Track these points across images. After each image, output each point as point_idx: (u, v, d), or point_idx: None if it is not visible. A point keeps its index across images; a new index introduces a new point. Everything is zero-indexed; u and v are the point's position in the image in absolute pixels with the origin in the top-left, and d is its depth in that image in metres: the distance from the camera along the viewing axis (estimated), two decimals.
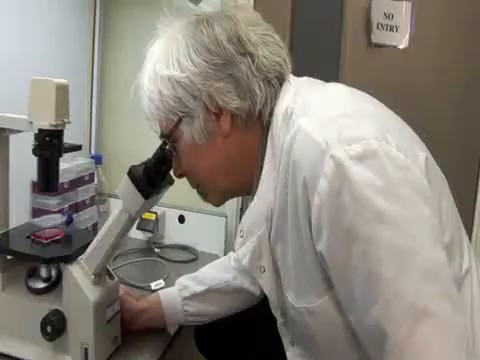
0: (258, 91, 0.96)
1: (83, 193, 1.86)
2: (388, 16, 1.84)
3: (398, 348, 0.75)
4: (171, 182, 1.14)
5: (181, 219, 1.97)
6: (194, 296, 1.35)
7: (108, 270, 1.22)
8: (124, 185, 1.08)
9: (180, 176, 1.10)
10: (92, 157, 1.99)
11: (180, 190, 1.84)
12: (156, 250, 1.89)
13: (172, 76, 0.96)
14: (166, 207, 1.96)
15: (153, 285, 1.58)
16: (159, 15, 1.04)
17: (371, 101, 0.98)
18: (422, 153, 0.86)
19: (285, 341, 1.13)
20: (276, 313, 1.11)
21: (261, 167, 0.98)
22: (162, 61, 0.98)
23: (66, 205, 1.77)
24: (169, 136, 1.03)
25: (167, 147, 1.04)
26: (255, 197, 1.00)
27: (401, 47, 1.86)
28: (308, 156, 0.82)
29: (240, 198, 1.94)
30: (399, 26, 1.84)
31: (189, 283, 1.37)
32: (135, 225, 1.90)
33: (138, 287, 1.57)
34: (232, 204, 1.94)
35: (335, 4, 1.89)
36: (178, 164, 1.07)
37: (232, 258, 1.43)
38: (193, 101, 0.97)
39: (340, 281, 0.83)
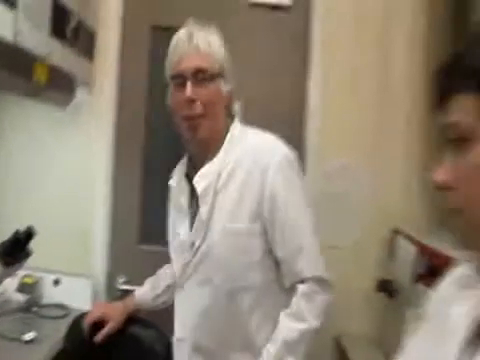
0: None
1: None
2: None
3: (307, 254, 1.55)
4: (28, 255, 1.56)
5: (56, 282, 2.35)
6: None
7: None
8: None
9: (192, 99, 1.57)
10: None
11: (56, 258, 2.25)
12: (34, 309, 2.26)
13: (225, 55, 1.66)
14: (43, 272, 2.33)
15: (26, 336, 1.94)
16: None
17: None
18: None
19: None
20: (189, 252, 1.64)
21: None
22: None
23: None
24: (210, 74, 1.60)
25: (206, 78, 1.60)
26: (215, 158, 1.62)
27: None
28: (265, 150, 1.59)
29: (105, 262, 2.36)
30: None
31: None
32: (16, 288, 2.28)
33: (11, 338, 1.93)
34: (98, 269, 2.37)
35: None
36: (198, 92, 1.58)
37: None
38: (227, 74, 1.65)
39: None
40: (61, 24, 1.88)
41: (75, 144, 2.39)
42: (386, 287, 2.07)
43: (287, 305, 1.57)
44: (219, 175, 1.59)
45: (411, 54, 2.27)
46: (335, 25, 2.33)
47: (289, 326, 1.53)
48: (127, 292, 2.11)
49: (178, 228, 1.71)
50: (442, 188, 0.76)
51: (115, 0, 2.33)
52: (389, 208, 2.17)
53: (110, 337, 1.83)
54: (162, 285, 1.95)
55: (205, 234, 1.60)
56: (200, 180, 1.61)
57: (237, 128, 1.69)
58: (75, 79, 2.17)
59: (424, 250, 1.77)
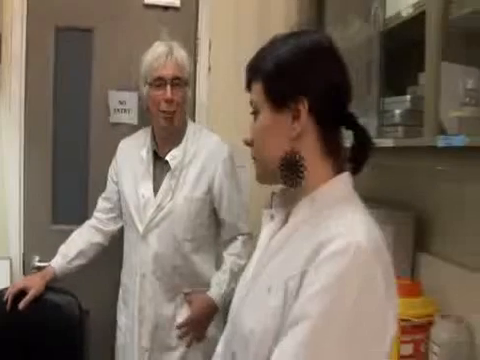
0: None
1: None
2: (122, 102, 2.62)
3: (243, 217, 2.37)
4: None
5: None
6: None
7: None
8: None
9: (172, 99, 2.12)
10: None
11: None
12: None
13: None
14: None
15: None
16: None
17: None
18: None
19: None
20: (155, 210, 2.20)
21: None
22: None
23: None
24: (183, 81, 2.17)
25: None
26: (181, 144, 2.22)
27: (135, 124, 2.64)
28: (218, 147, 2.25)
29: (21, 243, 2.54)
30: (130, 109, 2.62)
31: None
32: None
33: None
34: (13, 251, 2.53)
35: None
36: (174, 94, 2.13)
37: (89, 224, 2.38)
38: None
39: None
40: None
41: None
42: None
43: (215, 252, 2.34)
44: (184, 157, 2.21)
45: None
46: (219, 22, 2.66)
47: (234, 261, 2.26)
48: (42, 268, 2.33)
49: (139, 190, 2.23)
50: (247, 144, 1.15)
51: (19, 3, 2.48)
52: None
53: (30, 305, 2.06)
54: (74, 250, 2.26)
55: (171, 198, 2.17)
56: (172, 158, 2.20)
57: (192, 124, 2.34)
58: None
59: None
